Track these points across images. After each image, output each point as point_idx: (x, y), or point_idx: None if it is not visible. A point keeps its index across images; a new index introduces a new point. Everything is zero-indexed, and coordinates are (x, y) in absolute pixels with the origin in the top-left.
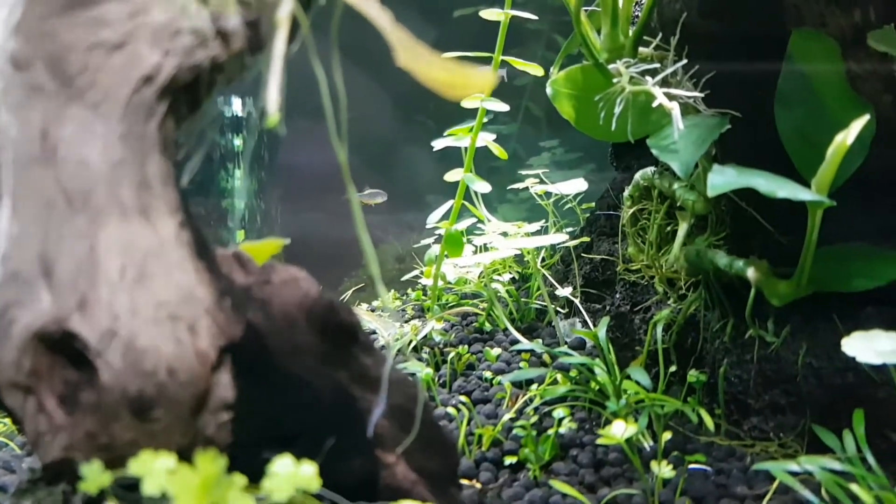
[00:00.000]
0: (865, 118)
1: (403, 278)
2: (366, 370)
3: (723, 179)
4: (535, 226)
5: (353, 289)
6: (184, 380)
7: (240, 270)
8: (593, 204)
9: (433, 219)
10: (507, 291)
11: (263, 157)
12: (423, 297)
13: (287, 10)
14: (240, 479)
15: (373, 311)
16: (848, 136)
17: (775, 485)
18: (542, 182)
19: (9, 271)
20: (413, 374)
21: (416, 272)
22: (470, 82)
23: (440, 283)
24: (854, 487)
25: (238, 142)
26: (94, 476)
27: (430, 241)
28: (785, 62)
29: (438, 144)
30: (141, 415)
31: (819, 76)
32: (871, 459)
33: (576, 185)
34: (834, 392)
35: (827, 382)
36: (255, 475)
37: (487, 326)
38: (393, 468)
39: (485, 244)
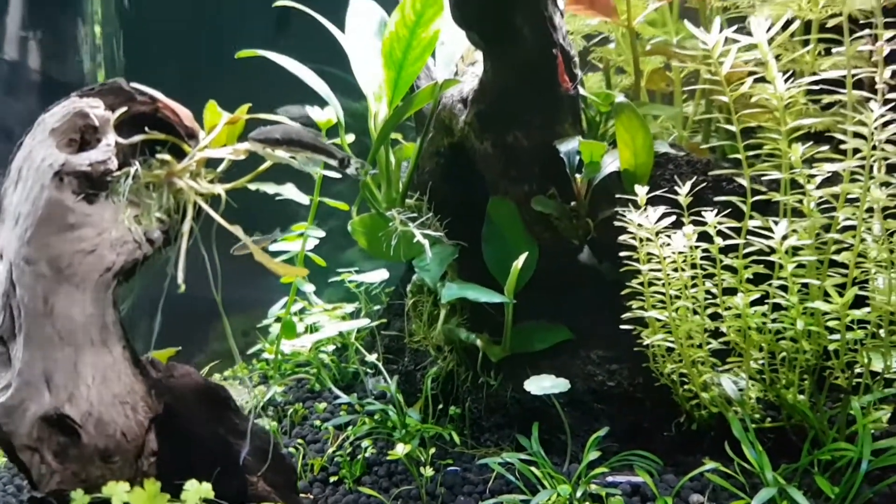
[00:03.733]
0: (526, 254)
1: (249, 351)
2: (236, 426)
3: (450, 292)
4: (351, 307)
5: (210, 364)
6: (130, 439)
7: (153, 370)
8: (393, 288)
9: (274, 311)
10: (331, 360)
11: None
12: (267, 367)
13: (187, 225)
14: (165, 495)
15: (225, 380)
16: (518, 263)
17: (494, 474)
18: (352, 273)
19: (23, 380)
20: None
21: (259, 346)
22: (292, 273)
23: (280, 356)
24: (533, 469)
25: None
26: (80, 498)
27: (270, 321)
28: (486, 216)
29: (275, 248)
30: (106, 460)
31: (505, 224)
32: (542, 452)
33: (379, 275)
34: (529, 414)
35: (525, 407)
36: (173, 494)
37: (317, 387)
38: (256, 485)
39: (313, 323)
